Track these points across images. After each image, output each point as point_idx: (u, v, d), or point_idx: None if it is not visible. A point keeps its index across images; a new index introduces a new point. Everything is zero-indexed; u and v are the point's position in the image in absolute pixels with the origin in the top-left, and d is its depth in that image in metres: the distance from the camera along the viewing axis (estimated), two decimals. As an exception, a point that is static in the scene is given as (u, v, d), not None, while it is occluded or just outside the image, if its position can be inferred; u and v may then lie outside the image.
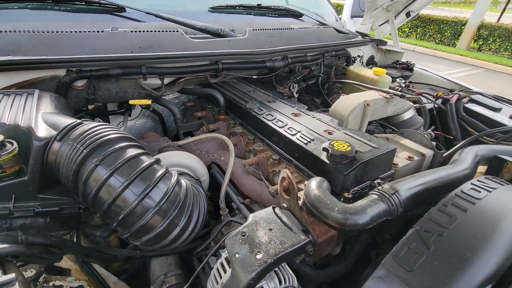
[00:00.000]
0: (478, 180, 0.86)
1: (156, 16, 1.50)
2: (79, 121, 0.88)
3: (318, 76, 1.90)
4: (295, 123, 1.25)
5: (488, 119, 1.60)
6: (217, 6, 1.74)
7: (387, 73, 2.21)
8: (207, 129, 1.55)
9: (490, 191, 0.80)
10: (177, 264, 1.16)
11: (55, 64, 1.16)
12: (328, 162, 0.99)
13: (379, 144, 1.08)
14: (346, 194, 0.92)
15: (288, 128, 1.21)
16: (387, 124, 1.47)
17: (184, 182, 0.94)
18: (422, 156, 1.21)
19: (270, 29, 1.69)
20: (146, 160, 0.84)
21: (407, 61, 2.25)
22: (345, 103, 1.39)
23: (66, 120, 0.90)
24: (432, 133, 1.36)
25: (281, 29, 1.74)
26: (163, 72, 1.32)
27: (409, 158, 1.20)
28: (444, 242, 0.67)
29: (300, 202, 0.92)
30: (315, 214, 0.86)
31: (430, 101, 1.81)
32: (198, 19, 1.67)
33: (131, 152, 0.83)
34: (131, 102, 1.34)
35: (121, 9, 1.51)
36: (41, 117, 0.89)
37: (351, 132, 1.17)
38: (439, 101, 1.83)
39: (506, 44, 11.30)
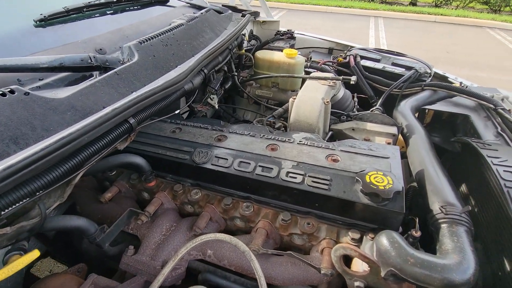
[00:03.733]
0: (497, 158, 0.91)
1: None
2: None
3: (233, 75, 1.54)
4: (285, 161, 0.95)
5: (382, 72, 1.81)
6: (51, 14, 0.98)
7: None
8: (149, 216, 0.99)
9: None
10: None
11: None
12: (375, 205, 0.80)
13: (385, 150, 0.98)
14: (414, 233, 0.79)
15: (286, 175, 0.90)
16: (339, 111, 1.39)
17: None
18: (394, 136, 1.22)
19: (159, 36, 1.14)
20: None
21: (288, 30, 2.19)
22: (305, 109, 1.18)
23: None
24: (380, 108, 1.40)
25: (169, 30, 1.21)
26: (52, 180, 0.65)
27: (388, 143, 1.18)
28: None
29: (382, 274, 0.73)
30: (411, 281, 0.70)
31: (333, 68, 1.86)
32: (22, 46, 0.91)
33: None
34: (-5, 276, 0.62)
35: None
36: None
37: (346, 146, 1.00)
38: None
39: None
